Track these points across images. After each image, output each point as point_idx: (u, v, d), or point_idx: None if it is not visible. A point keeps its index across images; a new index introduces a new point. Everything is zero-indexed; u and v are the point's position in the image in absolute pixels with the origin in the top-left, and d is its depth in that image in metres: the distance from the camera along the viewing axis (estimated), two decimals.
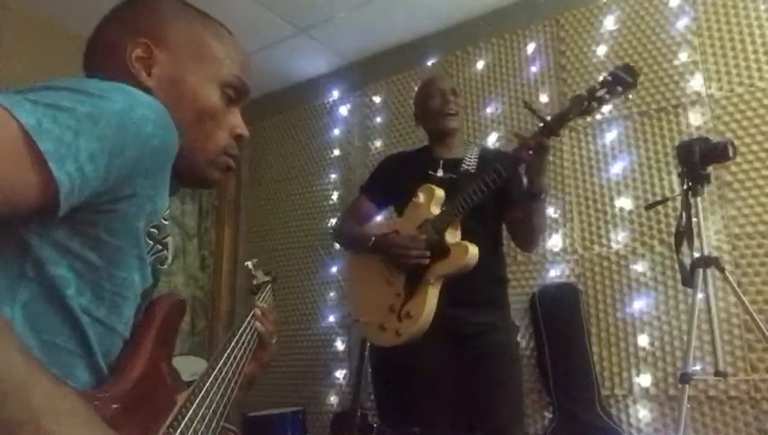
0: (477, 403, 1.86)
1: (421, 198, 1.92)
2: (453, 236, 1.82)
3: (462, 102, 2.13)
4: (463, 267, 1.77)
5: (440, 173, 1.99)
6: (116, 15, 0.80)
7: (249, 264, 1.40)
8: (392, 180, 2.09)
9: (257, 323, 1.00)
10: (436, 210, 1.88)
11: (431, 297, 1.78)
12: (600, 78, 1.70)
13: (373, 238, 1.96)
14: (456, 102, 2.04)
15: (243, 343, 0.93)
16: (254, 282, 1.34)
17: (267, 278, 1.36)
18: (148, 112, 0.62)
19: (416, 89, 2.25)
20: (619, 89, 1.65)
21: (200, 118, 0.78)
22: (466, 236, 1.84)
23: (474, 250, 1.77)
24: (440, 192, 1.90)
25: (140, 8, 0.80)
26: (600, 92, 1.65)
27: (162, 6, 0.81)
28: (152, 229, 0.68)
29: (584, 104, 1.67)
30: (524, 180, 1.81)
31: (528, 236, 1.95)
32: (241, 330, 0.95)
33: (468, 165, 1.98)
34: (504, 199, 1.90)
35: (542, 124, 1.71)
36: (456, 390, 1.88)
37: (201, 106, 0.78)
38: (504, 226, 2.04)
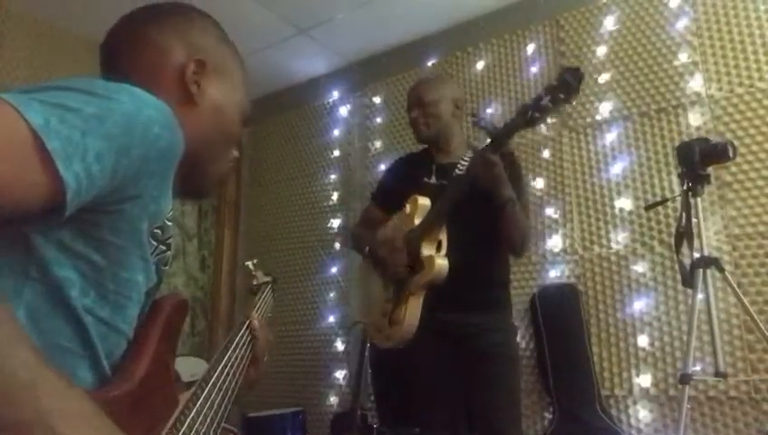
0: (475, 404, 1.87)
1: (407, 208, 1.94)
2: (428, 249, 1.84)
3: (444, 107, 2.02)
4: (435, 279, 1.80)
5: (433, 180, 1.99)
6: (166, 19, 0.82)
7: (249, 264, 1.40)
8: (395, 185, 2.11)
9: (255, 322, 1.00)
10: (418, 222, 1.89)
11: (412, 307, 1.82)
12: (547, 84, 1.62)
13: (367, 248, 2.01)
14: (425, 112, 2.00)
15: (242, 345, 0.94)
16: (254, 282, 1.34)
17: (267, 279, 1.36)
18: (155, 113, 0.63)
19: None
20: (561, 96, 1.56)
21: (227, 143, 0.85)
22: (455, 243, 1.84)
23: (441, 262, 1.79)
24: (424, 202, 1.91)
25: (193, 22, 0.83)
26: (545, 101, 1.58)
27: (211, 28, 0.86)
28: (156, 230, 0.69)
29: (528, 114, 1.60)
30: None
31: (509, 241, 1.89)
32: (241, 332, 0.96)
33: (461, 170, 1.96)
34: (489, 203, 1.85)
35: (488, 139, 1.70)
36: (454, 390, 1.89)
37: (231, 132, 0.84)
38: None
